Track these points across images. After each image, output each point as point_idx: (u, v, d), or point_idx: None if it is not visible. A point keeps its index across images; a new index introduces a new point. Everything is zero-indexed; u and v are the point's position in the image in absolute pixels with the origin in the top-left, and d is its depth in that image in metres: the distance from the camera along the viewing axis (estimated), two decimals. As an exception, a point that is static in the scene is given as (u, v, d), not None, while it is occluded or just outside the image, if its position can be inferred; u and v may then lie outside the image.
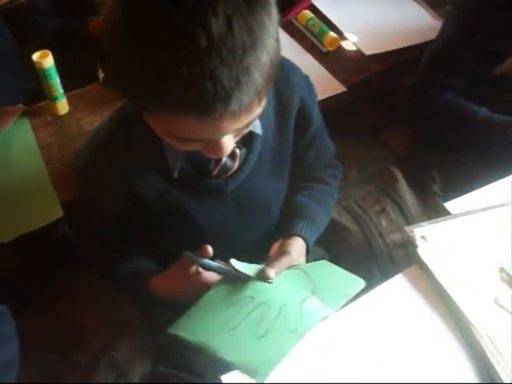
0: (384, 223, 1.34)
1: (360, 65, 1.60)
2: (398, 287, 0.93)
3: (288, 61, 1.01)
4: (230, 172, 0.94)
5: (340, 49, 1.66)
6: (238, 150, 0.92)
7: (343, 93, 1.51)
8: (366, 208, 1.37)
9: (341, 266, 0.96)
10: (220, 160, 0.91)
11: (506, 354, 0.82)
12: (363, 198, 1.40)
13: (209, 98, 0.64)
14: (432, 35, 1.46)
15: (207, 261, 0.92)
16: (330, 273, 0.95)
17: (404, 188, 1.41)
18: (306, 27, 1.71)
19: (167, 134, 0.75)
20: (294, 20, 1.75)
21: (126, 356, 1.21)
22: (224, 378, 0.80)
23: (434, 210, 1.34)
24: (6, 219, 1.19)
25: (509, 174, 1.09)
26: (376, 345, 0.85)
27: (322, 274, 0.94)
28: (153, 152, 0.90)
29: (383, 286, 0.93)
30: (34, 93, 1.48)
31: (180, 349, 1.02)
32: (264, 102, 0.73)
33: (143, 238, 1.03)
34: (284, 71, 0.97)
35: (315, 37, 1.68)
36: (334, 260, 1.24)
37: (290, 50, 1.63)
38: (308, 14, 1.72)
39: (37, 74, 1.32)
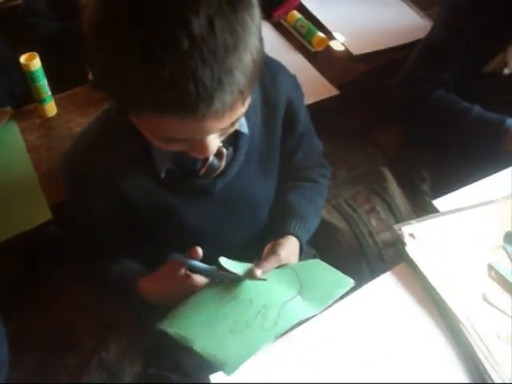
0: (374, 222, 1.34)
1: (348, 65, 1.61)
2: (386, 285, 0.93)
3: (275, 60, 1.01)
4: (217, 172, 0.94)
5: (328, 49, 1.67)
6: (224, 150, 0.92)
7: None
8: (355, 207, 1.37)
9: (331, 265, 0.96)
10: (207, 160, 0.91)
11: (495, 351, 0.82)
12: (353, 197, 1.40)
13: (191, 99, 0.64)
14: (420, 35, 1.47)
15: (196, 263, 0.92)
16: (320, 272, 0.95)
17: (394, 187, 1.41)
18: (294, 28, 1.72)
19: (152, 135, 0.75)
20: (282, 21, 1.76)
21: (117, 357, 1.21)
22: (213, 377, 0.80)
23: (423, 209, 1.33)
24: (-6, 221, 1.19)
25: (497, 171, 1.09)
26: (364, 343, 0.85)
27: (312, 273, 0.94)
28: (140, 153, 0.90)
29: (371, 284, 0.93)
30: (24, 97, 1.47)
31: (170, 349, 1.02)
32: (248, 102, 0.73)
33: (131, 239, 1.02)
34: (270, 70, 0.97)
35: (304, 37, 1.69)
36: (324, 259, 1.24)
37: (279, 50, 1.64)
38: (296, 14, 1.73)
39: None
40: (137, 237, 1.02)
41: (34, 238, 1.24)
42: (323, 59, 1.63)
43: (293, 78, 1.04)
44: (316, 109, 1.35)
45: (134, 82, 0.65)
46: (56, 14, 1.64)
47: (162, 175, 0.91)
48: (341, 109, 1.56)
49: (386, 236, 1.30)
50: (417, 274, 0.93)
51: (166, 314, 0.90)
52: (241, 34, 0.64)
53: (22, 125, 1.38)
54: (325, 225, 1.30)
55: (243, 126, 0.93)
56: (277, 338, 0.83)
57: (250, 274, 0.89)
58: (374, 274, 1.15)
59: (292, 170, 1.11)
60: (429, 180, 1.44)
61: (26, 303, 1.32)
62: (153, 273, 0.99)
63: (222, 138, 0.80)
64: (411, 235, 0.97)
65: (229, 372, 0.77)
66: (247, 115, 0.92)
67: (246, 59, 0.65)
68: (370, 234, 1.31)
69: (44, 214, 1.17)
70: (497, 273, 0.92)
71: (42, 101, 1.36)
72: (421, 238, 0.96)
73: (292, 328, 0.84)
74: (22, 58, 1.28)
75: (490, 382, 0.80)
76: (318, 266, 0.97)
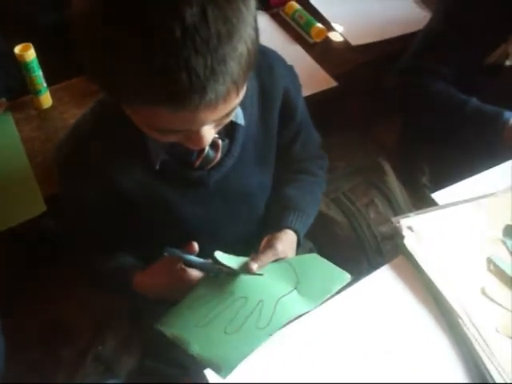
0: (372, 215, 1.33)
1: (347, 56, 1.60)
2: (384, 278, 0.91)
3: (272, 50, 1.00)
4: (213, 163, 0.93)
5: (327, 40, 1.66)
6: (220, 141, 0.90)
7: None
8: (354, 200, 1.36)
9: (329, 259, 0.96)
10: (202, 151, 0.89)
11: (493, 345, 0.81)
12: (351, 190, 1.39)
13: (184, 89, 0.62)
14: (420, 26, 1.45)
15: (191, 257, 0.91)
16: (317, 266, 0.94)
17: (393, 180, 1.40)
18: (292, 18, 1.71)
19: (145, 125, 0.74)
20: (280, 11, 1.74)
21: (113, 351, 1.21)
22: (207, 371, 0.79)
23: (423, 202, 1.32)
24: (-12, 214, 1.18)
25: (496, 165, 1.08)
26: (362, 338, 0.84)
27: (309, 267, 0.93)
28: (134, 144, 0.88)
29: (369, 277, 0.92)
30: (19, 90, 1.45)
31: (166, 343, 1.01)
32: (243, 92, 0.72)
33: (126, 232, 1.01)
34: (267, 61, 0.96)
35: (302, 28, 1.67)
36: (322, 252, 1.24)
37: (277, 41, 1.63)
38: (295, 5, 1.72)
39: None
40: (132, 230, 1.01)
41: (29, 231, 1.23)
42: (322, 50, 1.62)
43: (290, 68, 1.03)
44: (314, 100, 1.35)
45: (125, 73, 0.64)
46: (55, 3, 1.62)
47: (157, 167, 0.90)
48: (339, 101, 1.55)
49: (384, 229, 1.29)
50: (415, 267, 0.91)
51: (163, 308, 0.90)
52: (235, 23, 0.63)
53: (16, 116, 1.36)
54: (323, 218, 1.29)
55: (239, 117, 0.91)
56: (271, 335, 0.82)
57: (246, 268, 0.88)
58: (373, 266, 1.15)
59: (289, 161, 1.10)
60: (428, 173, 1.43)
61: (24, 298, 1.32)
62: (148, 267, 0.98)
63: (218, 129, 0.79)
64: (409, 228, 0.95)
65: (224, 375, 0.76)
66: (243, 106, 0.91)
67: (241, 49, 0.64)
68: (369, 226, 1.30)
69: (39, 206, 1.16)
70: (496, 266, 0.91)
71: (37, 92, 1.34)
72: (419, 231, 0.95)
73: (288, 322, 0.83)
74: (17, 49, 1.27)
75: (488, 376, 0.79)
76: (315, 261, 0.96)
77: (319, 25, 1.64)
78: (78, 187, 0.95)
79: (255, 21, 0.67)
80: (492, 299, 0.87)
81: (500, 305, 0.87)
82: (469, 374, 0.81)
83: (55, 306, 1.32)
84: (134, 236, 1.02)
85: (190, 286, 0.91)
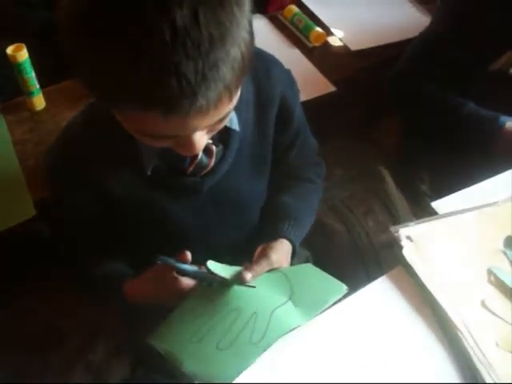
0: (371, 224, 1.31)
1: (346, 60, 1.58)
2: (381, 290, 0.89)
3: (268, 54, 0.98)
4: (207, 170, 0.91)
5: (326, 44, 1.64)
6: (214, 147, 0.88)
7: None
8: (352, 208, 1.33)
9: (326, 268, 0.94)
10: (195, 157, 0.87)
11: (493, 360, 0.79)
12: (350, 197, 1.37)
13: (173, 94, 0.60)
14: (420, 31, 1.42)
15: (183, 265, 0.89)
16: (312, 277, 0.92)
17: (392, 188, 1.38)
18: (291, 22, 1.69)
19: (135, 131, 0.72)
20: (279, 15, 1.73)
21: (104, 358, 1.19)
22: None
23: (423, 211, 1.31)
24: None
25: (498, 173, 1.05)
26: (358, 350, 0.82)
27: (304, 278, 0.91)
28: (125, 148, 0.86)
29: (366, 288, 0.89)
30: (12, 91, 1.43)
31: (158, 353, 0.99)
32: (236, 97, 0.70)
33: (118, 238, 0.99)
34: (264, 64, 0.94)
35: (301, 32, 1.66)
36: (319, 261, 1.22)
37: (275, 44, 1.61)
38: (294, 9, 1.70)
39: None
40: (123, 236, 0.99)
41: (18, 235, 1.21)
42: (320, 55, 1.60)
43: (287, 72, 1.01)
44: (312, 105, 1.33)
45: (112, 77, 0.61)
46: (47, 3, 1.60)
47: (149, 172, 0.88)
48: (338, 106, 1.53)
49: (383, 238, 1.26)
50: (413, 278, 0.89)
51: (155, 316, 0.88)
52: (228, 26, 0.60)
53: (8, 118, 1.34)
54: (320, 226, 1.27)
55: (234, 123, 0.89)
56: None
57: (239, 278, 0.86)
58: (371, 276, 1.13)
59: (286, 168, 1.08)
60: (428, 180, 1.41)
61: (12, 302, 1.30)
62: (140, 275, 0.96)
63: (211, 135, 0.77)
64: (408, 238, 0.93)
65: None
66: (238, 111, 0.89)
67: (233, 53, 0.62)
68: (367, 235, 1.28)
69: (28, 211, 1.14)
70: (496, 278, 0.88)
71: (29, 93, 1.32)
72: (418, 241, 0.93)
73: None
74: (9, 49, 1.25)
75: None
76: (310, 271, 0.94)
77: (318, 29, 1.63)
78: (67, 191, 0.93)
79: (250, 24, 0.65)
80: (492, 312, 0.85)
81: (501, 318, 0.84)
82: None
83: (45, 310, 1.29)
84: (123, 242, 1.00)
85: (183, 294, 0.89)
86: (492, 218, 0.96)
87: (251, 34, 0.66)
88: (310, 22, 1.64)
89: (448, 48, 1.31)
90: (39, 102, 1.35)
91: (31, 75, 1.29)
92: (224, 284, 0.87)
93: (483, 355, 0.79)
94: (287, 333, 0.81)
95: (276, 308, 0.83)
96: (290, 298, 0.86)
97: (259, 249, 0.96)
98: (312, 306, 0.84)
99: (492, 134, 1.26)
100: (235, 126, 0.90)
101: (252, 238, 1.02)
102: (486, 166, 1.09)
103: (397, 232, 0.94)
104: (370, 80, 1.55)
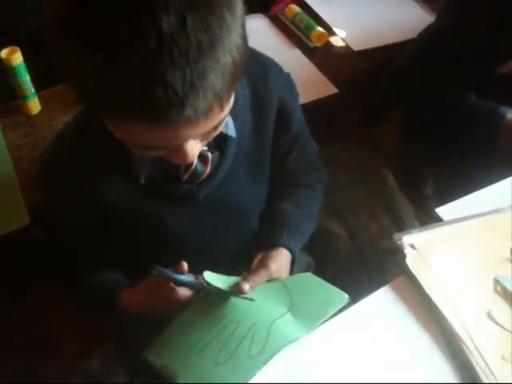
0: (373, 228, 1.29)
1: (348, 61, 1.56)
2: (383, 300, 0.86)
3: (267, 58, 0.95)
4: (202, 177, 0.88)
5: (328, 44, 1.61)
6: (209, 154, 0.86)
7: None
8: (354, 212, 1.31)
9: (328, 273, 0.92)
10: (190, 165, 0.85)
11: (499, 374, 0.76)
12: (352, 201, 1.35)
13: (160, 105, 0.57)
14: (425, 30, 1.40)
15: (180, 276, 0.87)
16: (312, 287, 0.89)
17: (395, 191, 1.36)
18: (292, 22, 1.66)
19: (124, 140, 0.69)
20: (279, 14, 1.70)
21: (100, 368, 1.18)
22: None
23: (427, 215, 1.29)
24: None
25: (505, 178, 1.03)
26: (359, 362, 0.80)
27: (304, 288, 0.89)
28: (118, 155, 0.83)
29: (368, 299, 0.87)
30: (7, 95, 1.41)
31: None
32: (229, 105, 0.67)
33: (113, 247, 0.97)
34: (261, 69, 0.92)
35: (302, 32, 1.63)
36: (321, 266, 1.20)
37: (276, 45, 1.59)
38: (295, 8, 1.67)
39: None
40: (117, 245, 0.97)
41: (14, 242, 1.19)
42: (322, 55, 1.58)
43: (286, 76, 0.98)
44: (313, 108, 1.31)
45: (96, 86, 0.59)
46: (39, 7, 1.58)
47: (142, 181, 0.85)
48: (340, 108, 1.50)
49: (386, 243, 1.24)
50: (417, 288, 0.86)
51: (152, 326, 0.87)
52: (218, 31, 0.57)
53: (3, 122, 1.31)
54: (322, 230, 1.25)
55: (230, 129, 0.87)
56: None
57: (237, 289, 0.84)
58: (374, 282, 1.12)
59: (285, 174, 1.05)
60: (432, 183, 1.39)
61: (8, 312, 1.28)
62: (136, 285, 0.94)
63: (205, 143, 0.74)
64: (412, 246, 0.91)
65: None
66: (235, 117, 0.87)
67: (224, 60, 0.59)
68: (370, 240, 1.25)
69: (22, 219, 1.12)
70: (503, 288, 0.85)
71: (24, 97, 1.30)
72: (422, 249, 0.90)
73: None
74: (3, 53, 1.22)
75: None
76: (310, 280, 0.91)
77: (320, 29, 1.60)
78: (59, 197, 0.92)
79: (243, 27, 0.62)
80: (498, 323, 0.82)
81: (507, 330, 0.82)
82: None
83: (41, 319, 1.28)
84: (119, 251, 0.98)
85: (180, 305, 0.87)
86: (498, 225, 0.94)
87: (244, 38, 0.63)
88: (312, 22, 1.61)
89: (449, 45, 1.28)
90: (34, 105, 1.33)
91: (26, 79, 1.26)
92: (221, 295, 0.85)
93: (489, 369, 0.77)
94: (287, 345, 0.78)
95: (275, 320, 0.81)
96: (289, 309, 0.84)
97: (258, 258, 0.94)
98: (312, 317, 0.82)
99: (493, 125, 1.25)
100: (231, 131, 0.87)
101: (251, 246, 1.00)
102: (490, 169, 1.08)
103: (400, 240, 0.92)
104: (372, 82, 1.52)
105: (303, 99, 1.21)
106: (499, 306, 0.84)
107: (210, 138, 0.73)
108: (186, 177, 0.87)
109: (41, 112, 1.34)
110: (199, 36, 0.56)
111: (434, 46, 1.32)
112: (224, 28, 0.58)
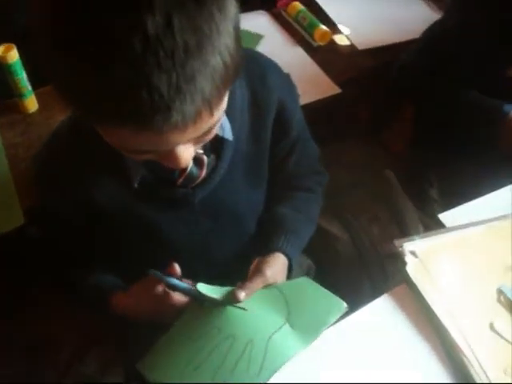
0: (376, 231, 1.26)
1: (352, 61, 1.53)
2: (383, 309, 0.84)
3: (266, 58, 0.93)
4: (198, 181, 0.86)
5: (332, 43, 1.58)
6: (205, 157, 0.84)
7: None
8: (356, 214, 1.29)
9: (329, 277, 0.91)
10: (185, 168, 0.82)
11: (498, 386, 0.75)
12: (354, 203, 1.32)
13: (145, 110, 0.54)
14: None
15: (175, 281, 0.85)
16: (310, 293, 0.87)
17: (399, 193, 1.33)
18: (295, 20, 1.63)
19: (113, 144, 0.66)
20: (282, 12, 1.67)
21: (96, 370, 1.17)
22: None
23: (431, 218, 1.26)
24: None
25: (508, 184, 1.01)
26: (357, 372, 0.78)
27: (300, 294, 0.86)
28: (111, 157, 0.80)
29: (367, 307, 0.85)
30: (3, 94, 1.39)
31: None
32: (220, 110, 0.64)
33: (108, 249, 0.95)
34: (260, 70, 0.89)
35: (305, 30, 1.60)
36: (322, 270, 1.18)
37: (279, 43, 1.56)
38: (298, 5, 1.65)
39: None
40: (112, 247, 0.95)
41: (8, 241, 1.17)
42: (325, 54, 1.55)
43: (286, 77, 0.95)
44: (315, 108, 1.29)
45: (81, 90, 0.56)
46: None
47: (135, 185, 0.83)
48: (343, 108, 1.47)
49: (387, 248, 1.21)
50: (418, 297, 0.84)
51: (147, 331, 0.86)
52: (206, 32, 0.54)
53: (0, 121, 1.30)
54: (322, 233, 1.23)
55: (226, 131, 0.84)
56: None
57: (232, 298, 0.82)
58: (375, 286, 1.10)
59: (284, 178, 1.03)
60: (437, 185, 1.37)
61: (8, 312, 1.27)
62: (129, 288, 0.93)
63: (199, 147, 0.71)
64: (413, 253, 0.89)
65: None
66: (233, 119, 0.84)
67: (214, 62, 0.56)
68: (372, 244, 1.23)
69: (16, 219, 1.10)
70: (506, 298, 0.83)
71: (21, 95, 1.28)
72: (423, 257, 0.88)
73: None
74: (-2, 50, 1.21)
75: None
76: (307, 286, 0.89)
77: (323, 27, 1.57)
78: (53, 197, 0.90)
79: (235, 28, 0.59)
80: (501, 336, 0.80)
81: (510, 342, 0.79)
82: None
83: (39, 320, 1.27)
84: (114, 253, 0.96)
85: (174, 310, 0.85)
86: (502, 232, 0.92)
87: (237, 39, 0.60)
88: (315, 20, 1.59)
89: (453, 44, 1.26)
90: (31, 104, 1.31)
91: (22, 76, 1.24)
92: (215, 304, 0.83)
93: (489, 381, 0.75)
94: (286, 362, 0.76)
95: (272, 334, 0.79)
96: (286, 320, 0.82)
97: (253, 264, 0.92)
98: (311, 328, 0.80)
99: (497, 123, 1.23)
100: (228, 134, 0.85)
101: (248, 250, 0.98)
102: (496, 173, 1.06)
103: (401, 247, 0.90)
104: (376, 82, 1.50)
105: (305, 99, 1.18)
106: (502, 318, 0.82)
107: (204, 142, 0.71)
108: (181, 180, 0.85)
109: (38, 110, 1.32)
110: (186, 37, 0.53)
111: (438, 44, 1.30)
112: (213, 29, 0.55)
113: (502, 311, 0.83)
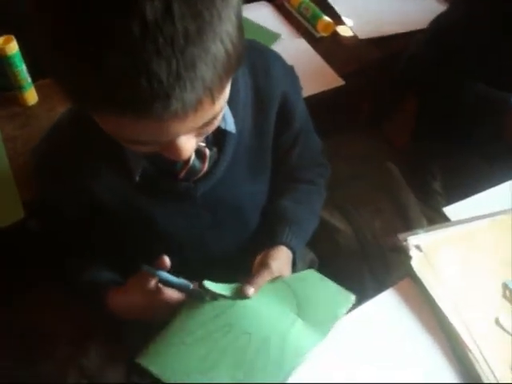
0: (378, 224, 1.25)
1: (356, 52, 1.51)
2: (387, 303, 0.84)
3: (269, 50, 0.91)
4: (200, 174, 0.85)
5: (335, 34, 1.57)
6: (207, 150, 0.82)
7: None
8: (359, 207, 1.27)
9: (331, 270, 0.90)
10: (187, 161, 0.81)
11: (504, 381, 0.74)
12: (356, 195, 1.31)
13: (144, 97, 0.53)
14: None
15: (167, 275, 0.83)
16: (317, 285, 0.86)
17: (401, 186, 1.32)
18: (298, 11, 1.62)
19: (112, 134, 0.65)
20: (285, 2, 1.66)
21: (97, 364, 1.15)
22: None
23: (434, 210, 1.25)
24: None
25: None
26: (362, 366, 0.77)
27: (308, 287, 0.86)
28: (112, 150, 0.79)
29: (371, 302, 0.84)
30: (2, 86, 1.38)
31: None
32: (222, 100, 0.63)
33: (107, 243, 0.95)
34: (263, 62, 0.88)
35: (308, 21, 1.59)
36: (324, 263, 1.17)
37: (281, 34, 1.54)
38: (301, -4, 1.63)
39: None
40: (112, 241, 0.94)
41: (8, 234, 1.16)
42: (329, 45, 1.53)
43: (289, 69, 0.94)
44: (318, 100, 1.27)
45: (79, 77, 0.55)
46: None
47: (137, 178, 0.82)
48: (346, 100, 1.46)
49: (390, 241, 1.20)
50: (422, 291, 0.84)
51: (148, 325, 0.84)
52: (207, 18, 0.53)
53: (-1, 113, 1.29)
54: (325, 226, 1.22)
55: (229, 124, 0.83)
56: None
57: (241, 294, 0.81)
58: (377, 280, 1.09)
59: (287, 170, 1.02)
60: (440, 177, 1.35)
61: (7, 305, 1.26)
62: (122, 285, 0.91)
63: (201, 139, 0.70)
64: (418, 247, 0.88)
65: None
66: (236, 111, 0.83)
67: (215, 49, 0.54)
68: (374, 236, 1.22)
69: (16, 213, 1.09)
70: (512, 293, 0.83)
71: (20, 88, 1.26)
72: (428, 251, 0.87)
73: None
74: (-2, 42, 1.19)
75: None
76: (314, 279, 0.88)
77: (326, 18, 1.55)
78: (53, 190, 0.89)
79: (237, 17, 0.57)
80: (507, 330, 0.80)
81: (516, 337, 0.79)
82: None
83: (32, 312, 1.26)
84: (113, 246, 0.95)
85: (165, 306, 0.84)
86: (507, 226, 0.92)
87: (239, 28, 0.58)
88: (318, 11, 1.57)
89: (460, 36, 1.25)
90: (31, 96, 1.29)
91: (22, 68, 1.23)
92: (217, 299, 0.82)
93: (496, 379, 0.75)
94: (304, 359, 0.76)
95: (287, 330, 0.78)
96: (297, 314, 0.81)
97: (258, 258, 0.91)
98: (322, 323, 0.80)
99: (503, 114, 1.23)
100: (231, 127, 0.83)
101: (250, 244, 0.97)
102: (502, 165, 1.06)
103: (405, 240, 0.89)
104: (381, 73, 1.48)
105: (308, 91, 1.17)
106: (508, 313, 0.81)
107: (206, 134, 0.70)
108: (183, 174, 0.83)
109: (38, 103, 1.31)
110: (186, 23, 0.51)
111: (444, 36, 1.29)
112: (215, 15, 0.53)
113: (508, 306, 0.82)
